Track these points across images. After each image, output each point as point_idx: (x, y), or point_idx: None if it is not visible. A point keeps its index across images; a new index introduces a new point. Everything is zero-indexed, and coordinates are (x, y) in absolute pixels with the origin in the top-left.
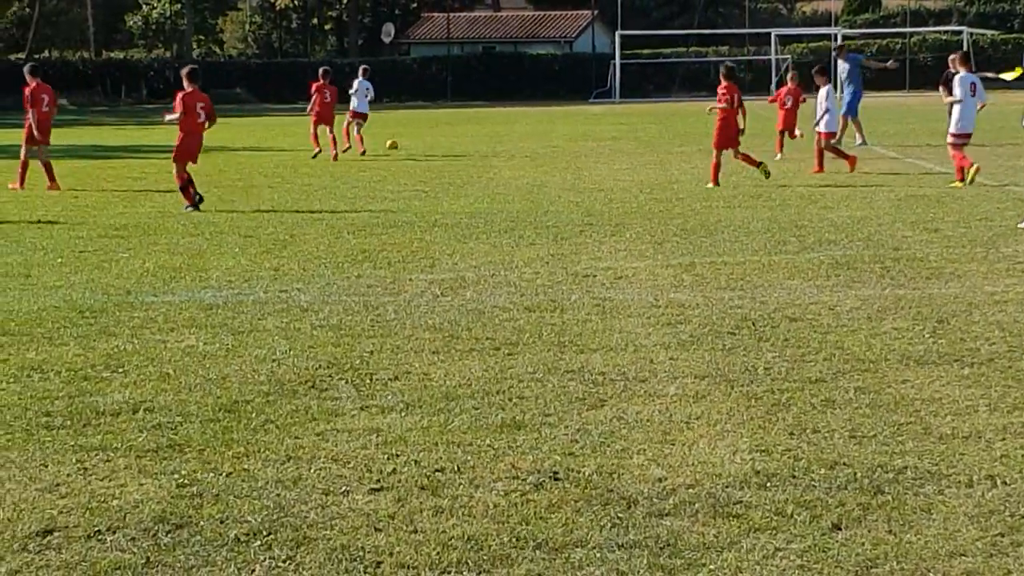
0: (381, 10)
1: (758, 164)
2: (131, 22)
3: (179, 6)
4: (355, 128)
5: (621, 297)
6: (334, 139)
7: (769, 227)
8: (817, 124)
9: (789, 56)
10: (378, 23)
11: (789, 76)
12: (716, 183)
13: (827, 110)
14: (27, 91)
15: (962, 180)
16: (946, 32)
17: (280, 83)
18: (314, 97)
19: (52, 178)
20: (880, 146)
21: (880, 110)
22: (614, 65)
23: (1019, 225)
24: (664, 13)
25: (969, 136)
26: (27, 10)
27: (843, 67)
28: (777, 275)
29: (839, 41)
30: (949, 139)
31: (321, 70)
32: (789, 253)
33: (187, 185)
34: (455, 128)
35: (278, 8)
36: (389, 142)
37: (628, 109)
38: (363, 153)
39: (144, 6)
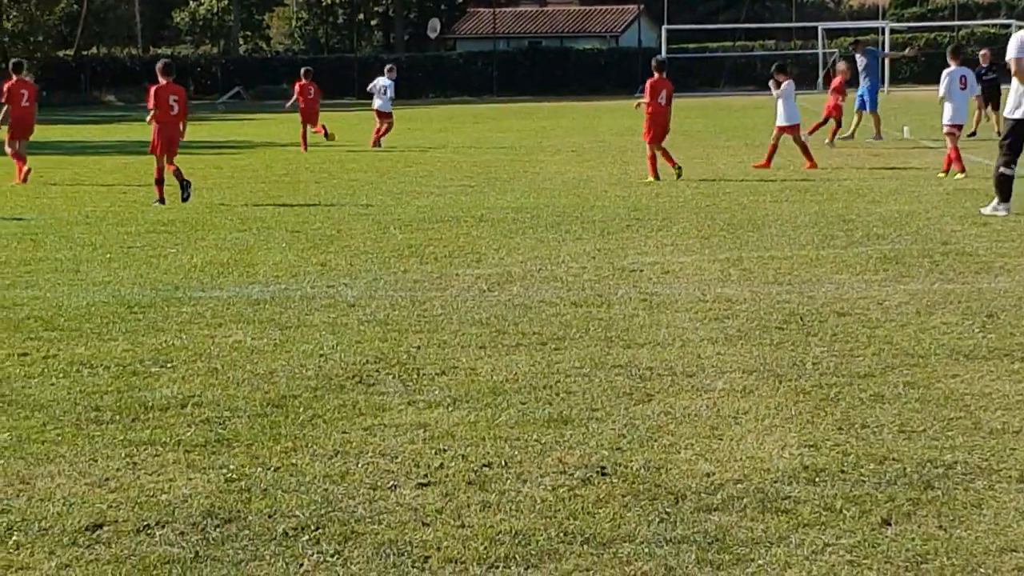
0: (427, 5)
1: (676, 166)
2: (178, 18)
3: (226, 2)
4: (382, 125)
5: (668, 292)
6: (305, 135)
7: (817, 221)
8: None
9: (836, 50)
10: (424, 18)
11: (839, 68)
12: (656, 177)
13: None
14: (6, 87)
15: (946, 172)
16: (994, 25)
17: (326, 79)
18: (296, 96)
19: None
20: (927, 139)
21: (928, 104)
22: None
23: (982, 211)
24: (711, 7)
25: (960, 127)
26: (75, 7)
27: (861, 61)
28: (825, 269)
29: (887, 34)
30: (945, 130)
31: (303, 70)
32: (837, 247)
33: (162, 180)
34: (501, 123)
35: (324, 4)
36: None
37: (674, 103)
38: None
39: (191, 2)
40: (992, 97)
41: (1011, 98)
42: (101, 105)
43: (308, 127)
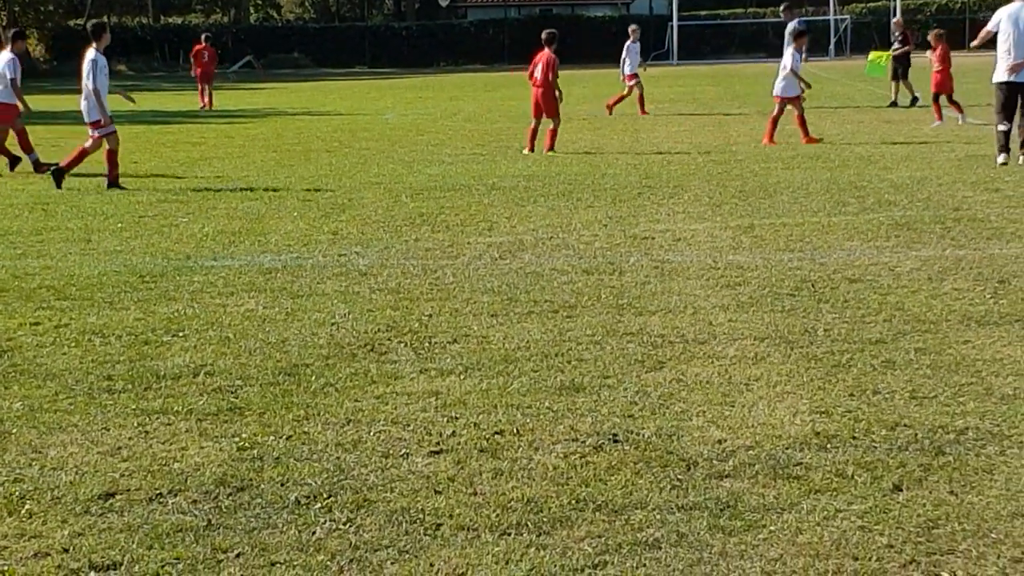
0: None
1: (551, 148)
2: None
3: None
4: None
5: (680, 259)
6: (208, 93)
7: (828, 188)
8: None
9: (848, 16)
10: None
11: (932, 35)
12: (532, 150)
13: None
14: None
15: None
16: None
17: (338, 47)
18: (193, 60)
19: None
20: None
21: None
22: (671, 27)
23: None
24: None
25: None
26: None
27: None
28: (836, 236)
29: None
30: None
31: (203, 35)
32: (848, 214)
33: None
34: (512, 91)
35: None
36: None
37: (686, 71)
38: None
39: None
40: (903, 66)
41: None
42: (112, 74)
43: (206, 87)
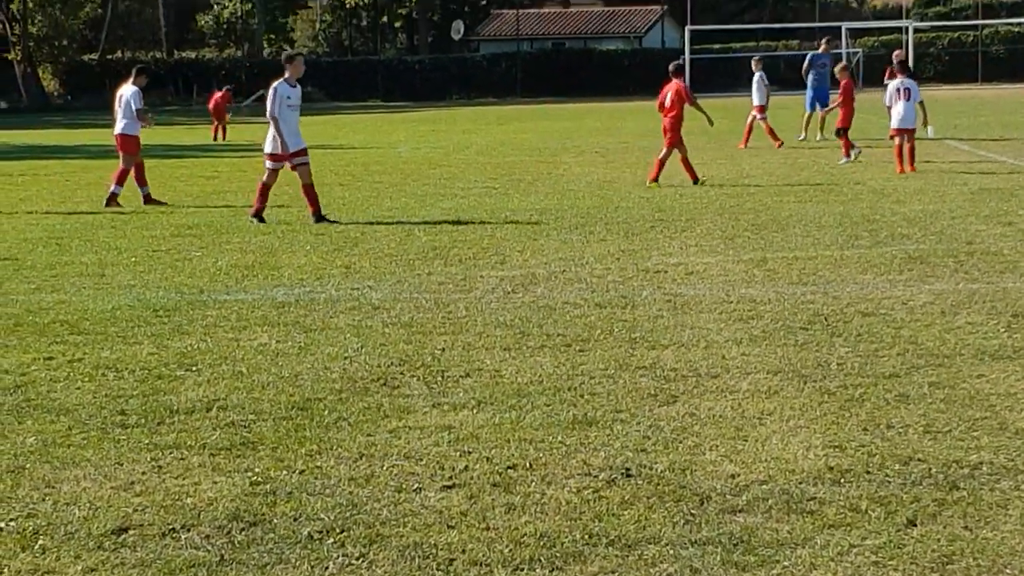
0: (451, 7)
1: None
2: (203, 22)
3: (250, 5)
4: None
5: (692, 293)
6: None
7: (841, 221)
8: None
9: (860, 50)
10: (448, 20)
11: (838, 69)
12: (695, 180)
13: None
14: None
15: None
16: (1019, 24)
17: (351, 81)
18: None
19: None
20: (953, 139)
21: (952, 103)
22: (684, 60)
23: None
24: (734, 8)
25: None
26: (100, 11)
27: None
28: (850, 270)
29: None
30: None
31: (224, 88)
32: (861, 248)
33: None
34: (524, 124)
35: (348, 6)
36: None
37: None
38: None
39: (215, 6)
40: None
41: None
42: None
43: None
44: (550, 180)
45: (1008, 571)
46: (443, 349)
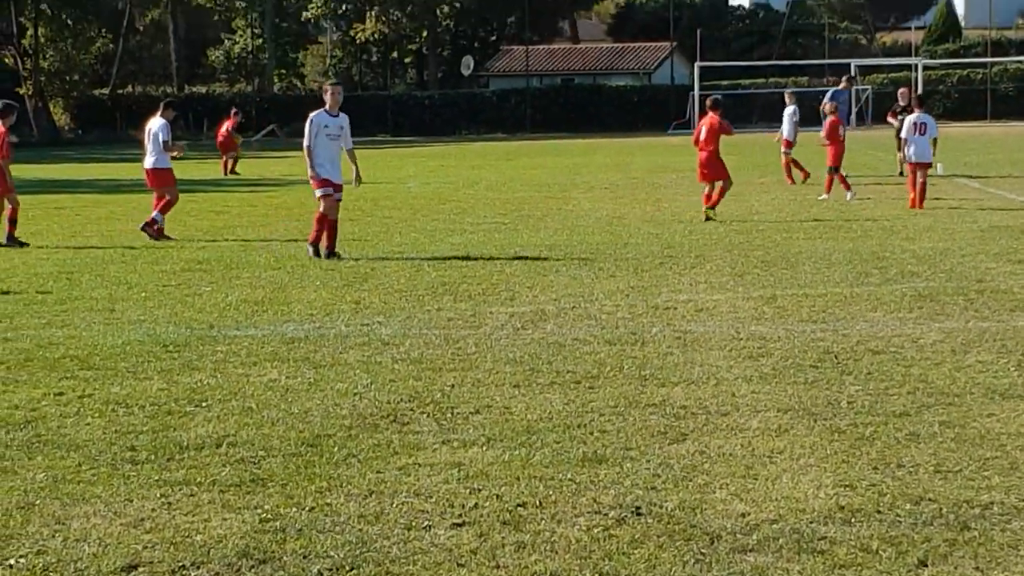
0: (460, 43)
1: (714, 206)
2: (213, 57)
3: (260, 41)
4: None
5: (702, 330)
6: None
7: (851, 259)
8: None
9: (869, 87)
10: (457, 56)
11: (827, 108)
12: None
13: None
14: None
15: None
16: None
17: (360, 116)
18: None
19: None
20: (962, 176)
21: (962, 140)
22: (693, 96)
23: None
24: (744, 44)
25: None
26: (111, 46)
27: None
28: (859, 307)
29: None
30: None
31: (232, 110)
32: (871, 285)
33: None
34: (534, 160)
35: (358, 42)
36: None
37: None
38: None
39: (226, 41)
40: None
41: None
42: (136, 143)
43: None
44: (559, 216)
45: None
46: (453, 386)
